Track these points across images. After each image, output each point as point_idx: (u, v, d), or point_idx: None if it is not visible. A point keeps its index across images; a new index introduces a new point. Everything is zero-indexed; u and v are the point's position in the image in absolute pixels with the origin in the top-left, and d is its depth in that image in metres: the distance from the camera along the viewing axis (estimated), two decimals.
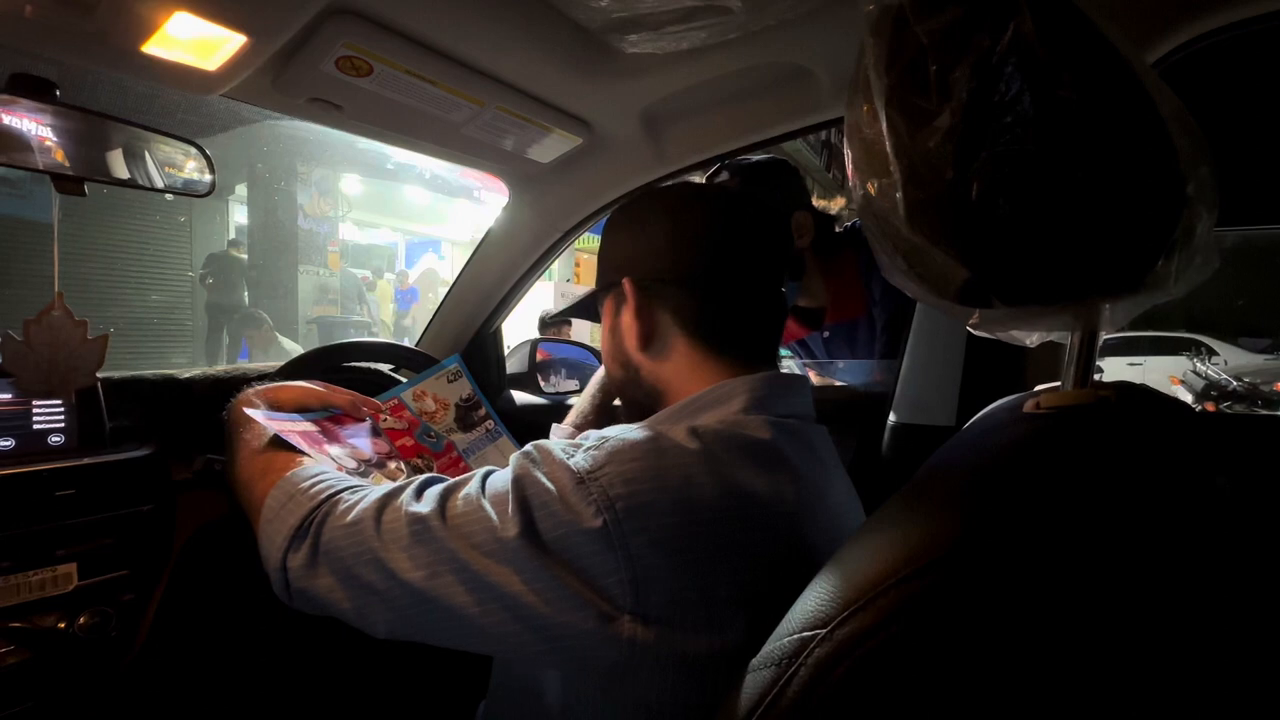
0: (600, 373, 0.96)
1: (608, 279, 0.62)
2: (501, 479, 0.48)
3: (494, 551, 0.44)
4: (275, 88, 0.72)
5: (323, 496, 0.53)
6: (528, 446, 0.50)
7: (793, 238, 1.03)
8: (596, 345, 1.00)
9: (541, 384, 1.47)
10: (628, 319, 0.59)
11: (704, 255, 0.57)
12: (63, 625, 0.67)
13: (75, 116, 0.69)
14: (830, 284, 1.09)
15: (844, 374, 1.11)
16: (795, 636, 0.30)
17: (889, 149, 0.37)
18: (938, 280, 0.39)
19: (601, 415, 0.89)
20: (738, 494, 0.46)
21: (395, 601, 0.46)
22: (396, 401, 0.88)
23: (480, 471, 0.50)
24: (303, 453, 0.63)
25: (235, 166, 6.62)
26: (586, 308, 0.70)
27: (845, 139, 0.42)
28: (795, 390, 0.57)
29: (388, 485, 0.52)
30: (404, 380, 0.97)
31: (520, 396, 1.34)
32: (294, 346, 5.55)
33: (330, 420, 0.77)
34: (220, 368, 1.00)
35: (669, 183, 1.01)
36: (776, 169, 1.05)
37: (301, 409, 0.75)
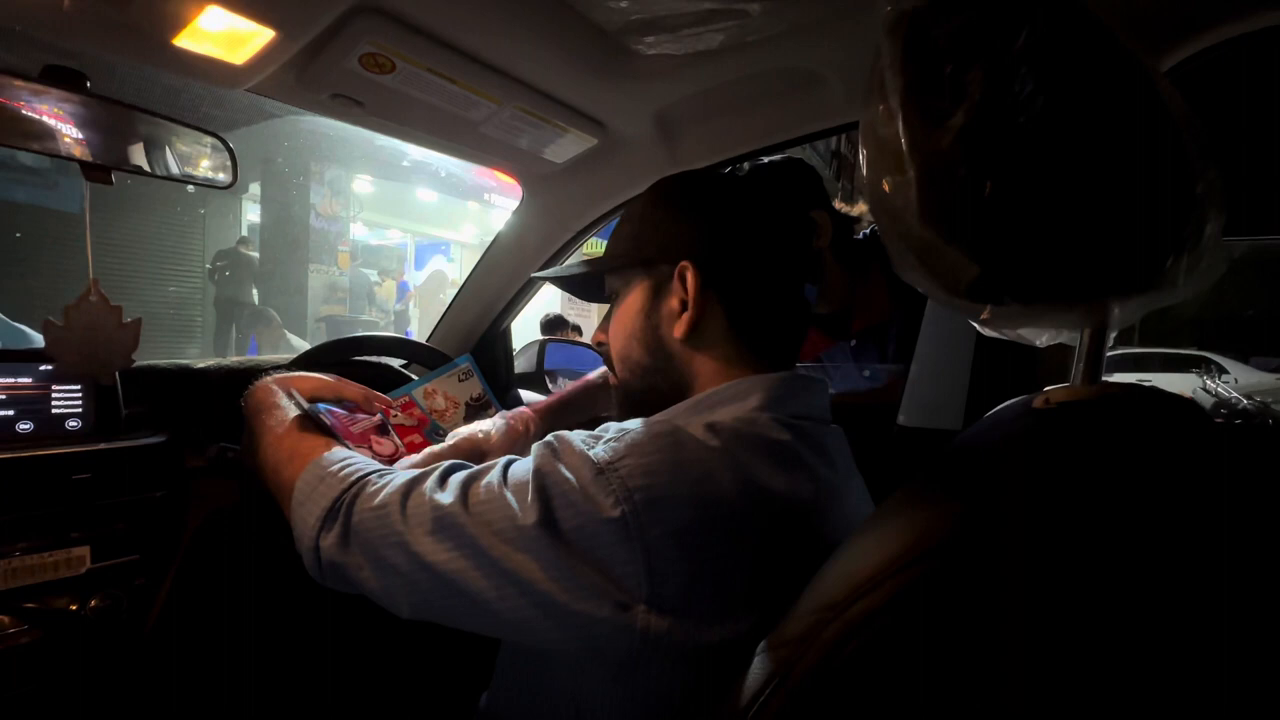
0: (596, 373, 0.95)
1: (646, 256, 0.59)
2: (522, 468, 0.48)
3: (513, 539, 0.44)
4: (299, 83, 0.74)
5: (353, 479, 0.53)
6: (548, 437, 0.50)
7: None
8: None
9: (549, 384, 1.48)
10: (674, 304, 0.57)
11: (758, 249, 0.57)
12: (74, 607, 0.68)
13: (104, 107, 0.70)
14: (855, 288, 1.05)
15: (853, 379, 1.10)
16: (804, 618, 0.30)
17: (904, 147, 0.37)
18: (948, 277, 0.39)
19: (567, 407, 0.89)
20: (756, 491, 0.46)
21: (418, 584, 0.47)
22: (407, 399, 0.89)
23: (502, 460, 0.50)
24: (336, 437, 0.65)
25: (249, 165, 6.70)
26: (587, 283, 0.68)
27: (860, 138, 0.43)
28: (812, 392, 0.57)
29: (413, 471, 0.53)
30: (414, 377, 0.97)
31: (528, 395, 1.35)
32: (302, 344, 5.60)
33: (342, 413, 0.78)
34: (233, 359, 1.01)
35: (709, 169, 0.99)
36: (793, 169, 1.03)
37: (314, 400, 0.76)
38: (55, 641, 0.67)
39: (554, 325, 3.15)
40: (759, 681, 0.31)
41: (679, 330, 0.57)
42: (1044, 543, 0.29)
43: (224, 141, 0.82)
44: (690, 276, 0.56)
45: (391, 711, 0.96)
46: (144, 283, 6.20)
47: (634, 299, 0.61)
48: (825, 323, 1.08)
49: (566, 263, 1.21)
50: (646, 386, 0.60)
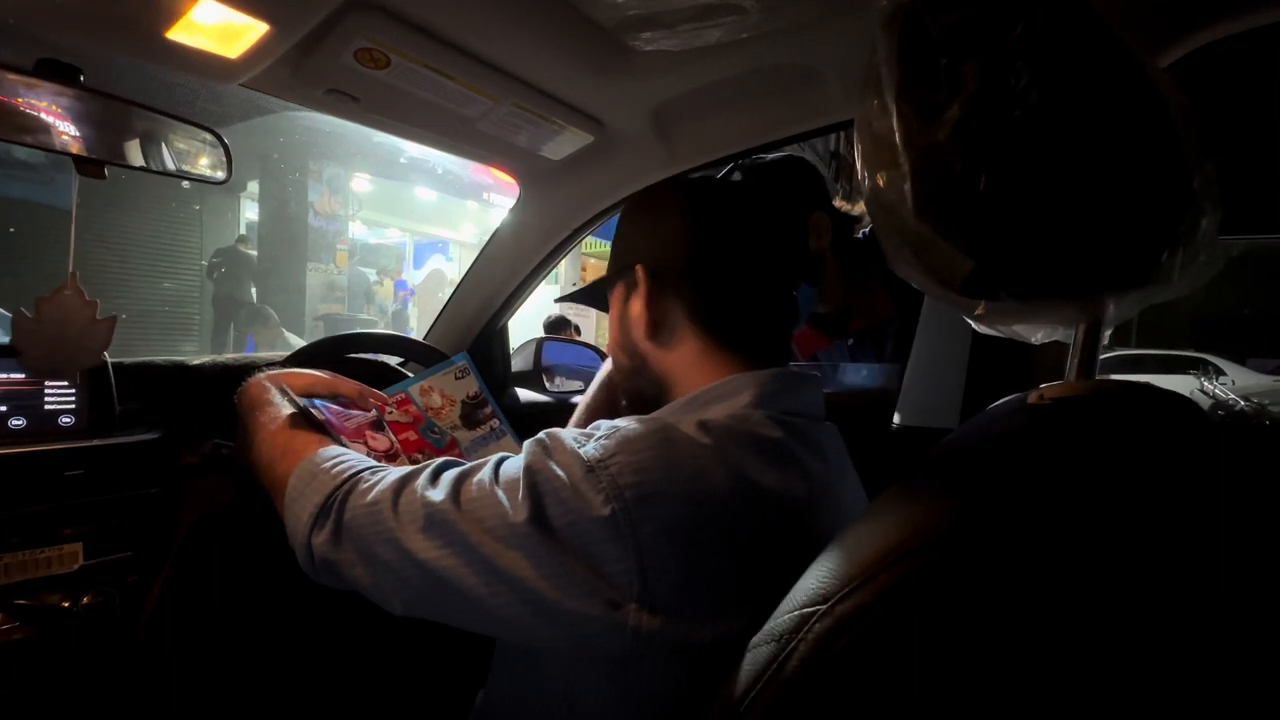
0: (603, 370, 0.96)
1: (620, 265, 0.62)
2: (514, 465, 0.48)
3: (504, 536, 0.44)
4: (294, 78, 0.73)
5: (345, 475, 0.54)
6: (540, 434, 0.50)
7: (809, 238, 1.00)
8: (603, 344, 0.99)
9: (546, 383, 1.48)
10: (637, 307, 0.59)
11: (717, 248, 0.58)
12: (67, 604, 0.68)
13: (99, 101, 0.70)
14: (853, 287, 1.05)
15: (850, 378, 1.10)
16: (795, 613, 0.30)
17: (898, 141, 0.37)
18: (943, 272, 0.39)
19: (603, 413, 0.89)
20: (749, 488, 0.46)
21: (410, 581, 0.47)
22: (403, 395, 0.89)
23: (494, 457, 0.51)
24: (329, 434, 0.65)
25: (247, 162, 6.68)
26: (595, 295, 0.70)
27: (855, 133, 0.43)
28: (805, 388, 0.57)
29: (405, 467, 0.53)
30: (410, 375, 0.97)
31: (525, 394, 1.35)
32: (300, 343, 5.61)
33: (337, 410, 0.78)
34: (229, 355, 1.01)
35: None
36: (793, 167, 1.02)
37: (308, 397, 0.76)
38: (47, 639, 0.67)
39: (557, 326, 3.19)
40: (751, 677, 0.31)
41: (640, 331, 0.59)
42: (1039, 537, 0.29)
43: (219, 137, 0.81)
44: (641, 278, 0.58)
45: (389, 709, 0.95)
46: (141, 280, 6.19)
47: (613, 306, 0.64)
48: (822, 322, 1.07)
49: (563, 261, 1.22)
50: (633, 389, 0.63)
